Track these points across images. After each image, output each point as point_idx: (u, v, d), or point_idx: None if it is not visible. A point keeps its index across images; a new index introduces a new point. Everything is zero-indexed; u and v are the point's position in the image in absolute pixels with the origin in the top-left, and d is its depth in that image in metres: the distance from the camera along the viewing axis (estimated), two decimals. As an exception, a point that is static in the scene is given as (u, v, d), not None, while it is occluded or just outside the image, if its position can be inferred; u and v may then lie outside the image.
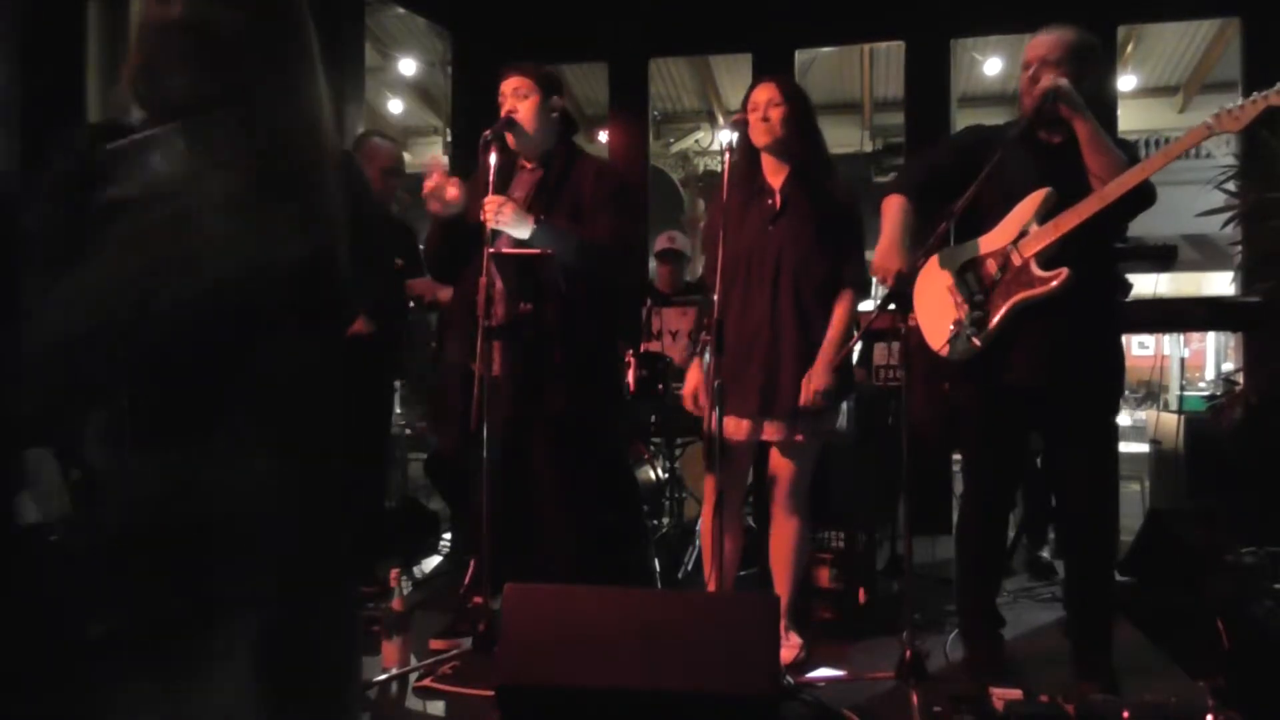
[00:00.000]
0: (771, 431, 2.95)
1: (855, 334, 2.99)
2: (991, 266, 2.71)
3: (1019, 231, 2.66)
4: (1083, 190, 2.56)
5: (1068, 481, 2.80)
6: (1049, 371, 2.66)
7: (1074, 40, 2.67)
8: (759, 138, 2.97)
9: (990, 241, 2.73)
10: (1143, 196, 2.59)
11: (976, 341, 2.70)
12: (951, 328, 2.76)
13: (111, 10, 5.59)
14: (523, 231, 2.89)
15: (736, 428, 2.95)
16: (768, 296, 2.94)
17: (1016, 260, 2.65)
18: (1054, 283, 2.59)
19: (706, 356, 3.02)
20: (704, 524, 3.13)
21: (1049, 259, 2.61)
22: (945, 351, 2.78)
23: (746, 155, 3.01)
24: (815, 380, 2.89)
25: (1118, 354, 2.78)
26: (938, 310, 2.81)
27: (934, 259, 2.82)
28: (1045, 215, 2.62)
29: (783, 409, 2.92)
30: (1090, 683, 2.60)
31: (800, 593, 3.19)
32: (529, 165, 3.09)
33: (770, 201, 2.99)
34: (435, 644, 3.03)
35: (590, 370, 3.06)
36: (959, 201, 2.65)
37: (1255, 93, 2.42)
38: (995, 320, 2.68)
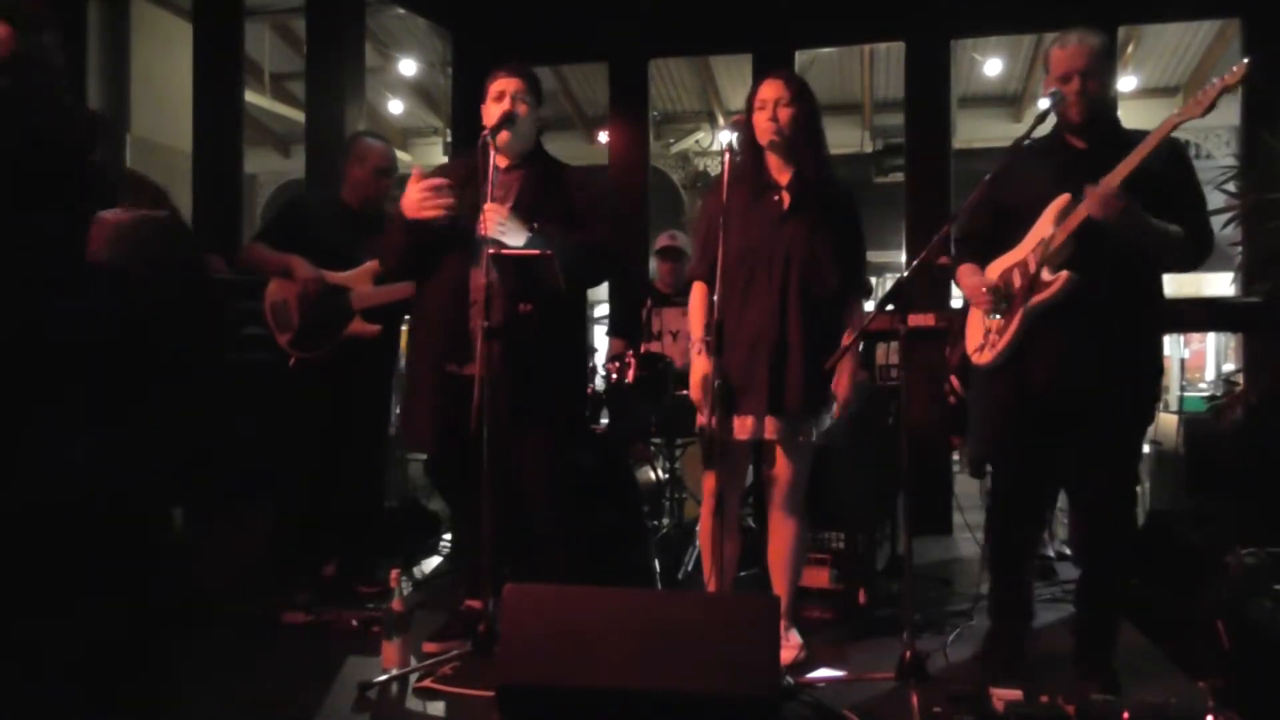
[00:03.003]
0: (774, 429, 2.94)
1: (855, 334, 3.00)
2: (1016, 276, 2.73)
3: (1040, 239, 2.68)
4: None
5: (1087, 482, 2.77)
6: (1069, 373, 2.66)
7: (1101, 45, 2.66)
8: (764, 136, 2.96)
9: (1019, 252, 2.75)
10: (1197, 248, 2.59)
11: (1000, 348, 2.74)
12: (983, 337, 2.82)
13: (111, 10, 5.59)
14: (520, 240, 2.90)
15: (740, 426, 2.95)
16: (776, 295, 2.93)
17: (1033, 267, 2.68)
18: (1055, 286, 2.60)
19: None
20: (702, 524, 3.13)
21: (1060, 263, 2.62)
22: (978, 359, 2.84)
23: (750, 151, 3.00)
24: (841, 389, 2.96)
25: (1148, 358, 2.74)
26: (978, 319, 2.87)
27: (993, 267, 2.84)
28: (1062, 221, 2.64)
29: (790, 407, 2.92)
30: (1091, 682, 2.60)
31: (800, 593, 3.19)
32: (503, 164, 3.10)
33: (777, 199, 2.99)
34: (428, 646, 3.02)
35: (579, 371, 3.09)
36: (964, 204, 2.67)
37: (1214, 78, 2.42)
38: (1013, 328, 2.71)
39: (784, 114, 2.94)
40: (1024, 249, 2.72)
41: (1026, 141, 2.75)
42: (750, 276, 2.95)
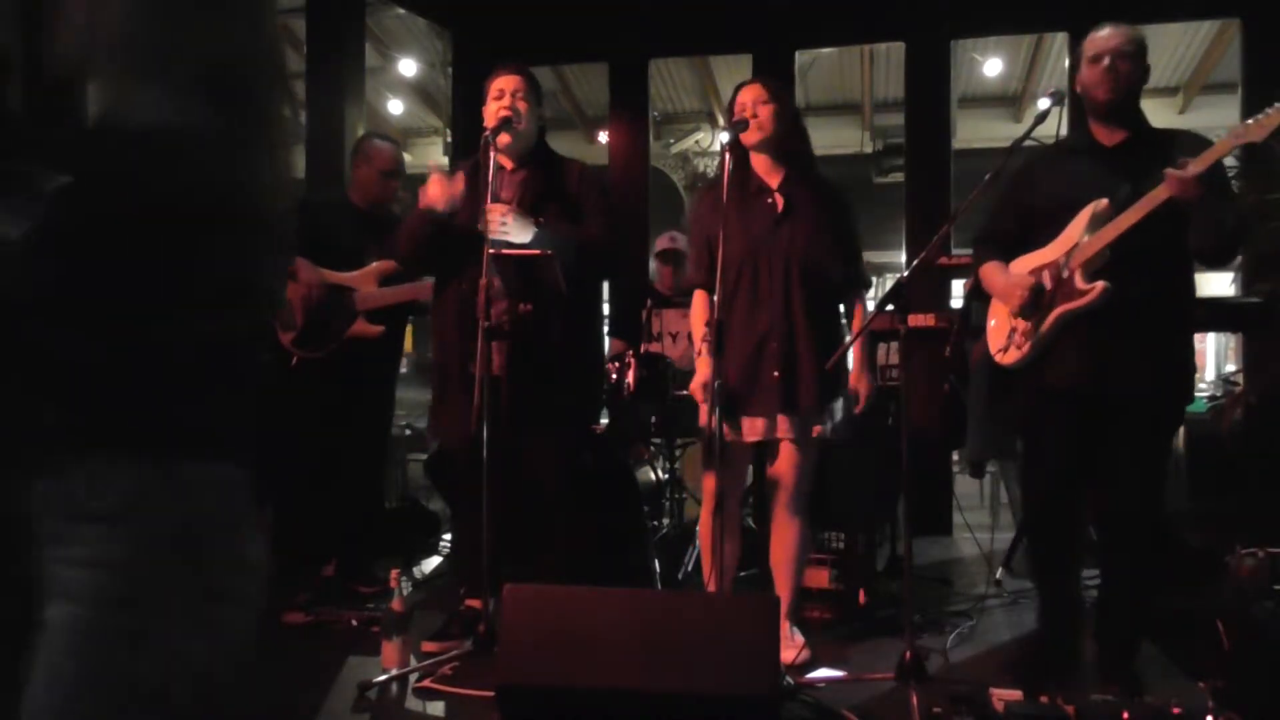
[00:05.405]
0: (787, 428, 2.95)
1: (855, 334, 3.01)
2: (1046, 279, 2.71)
3: (1073, 244, 2.66)
4: (1144, 194, 2.52)
5: (1114, 486, 2.72)
6: (1097, 375, 2.64)
7: (1139, 36, 2.66)
8: (749, 136, 2.98)
9: (1049, 253, 2.74)
10: (1223, 246, 2.56)
11: (1026, 350, 2.73)
12: (1008, 337, 2.80)
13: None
14: (525, 236, 2.90)
15: (751, 428, 2.96)
16: (780, 296, 2.94)
17: (1064, 271, 2.66)
18: (1090, 296, 2.58)
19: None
20: (702, 525, 3.14)
21: (1096, 271, 2.60)
22: (1002, 359, 2.82)
23: (736, 155, 3.00)
24: (863, 385, 3.04)
25: (1180, 358, 2.69)
26: (1003, 318, 2.86)
27: (1019, 264, 2.81)
28: (1096, 227, 2.62)
29: (804, 405, 2.94)
30: (1113, 685, 2.58)
31: (801, 593, 3.20)
32: (509, 166, 3.11)
33: (770, 201, 3.00)
34: (428, 646, 3.03)
35: (588, 370, 3.09)
36: (963, 204, 2.67)
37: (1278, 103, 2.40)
38: (1042, 331, 2.70)
39: (764, 111, 2.96)
40: (1055, 250, 2.70)
41: (1031, 141, 2.75)
42: (751, 279, 2.96)
